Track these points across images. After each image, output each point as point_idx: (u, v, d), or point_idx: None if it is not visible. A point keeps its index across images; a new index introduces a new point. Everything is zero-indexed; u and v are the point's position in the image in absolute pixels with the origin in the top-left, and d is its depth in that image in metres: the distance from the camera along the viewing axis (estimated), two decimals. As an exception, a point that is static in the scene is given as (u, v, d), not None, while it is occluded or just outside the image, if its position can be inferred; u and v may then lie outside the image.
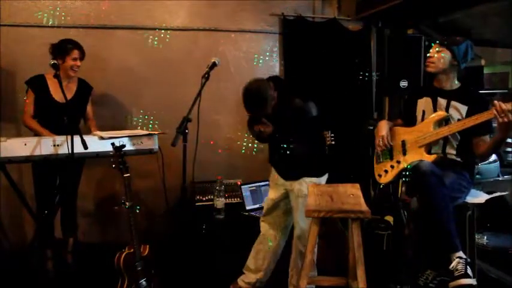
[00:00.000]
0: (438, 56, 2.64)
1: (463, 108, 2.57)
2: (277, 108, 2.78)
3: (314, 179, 2.84)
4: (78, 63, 3.14)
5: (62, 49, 3.11)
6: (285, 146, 2.81)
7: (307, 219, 2.80)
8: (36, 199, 3.18)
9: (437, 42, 2.70)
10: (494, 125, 2.42)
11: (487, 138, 2.51)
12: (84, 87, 3.33)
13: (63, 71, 3.08)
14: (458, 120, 2.55)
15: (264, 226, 3.05)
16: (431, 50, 2.71)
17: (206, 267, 3.13)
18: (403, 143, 2.74)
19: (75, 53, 3.12)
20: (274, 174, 3.00)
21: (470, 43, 2.64)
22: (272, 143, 2.98)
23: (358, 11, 4.31)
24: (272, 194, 2.99)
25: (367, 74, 4.33)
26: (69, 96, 3.13)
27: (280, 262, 3.04)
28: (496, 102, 2.27)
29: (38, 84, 3.15)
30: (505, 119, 2.24)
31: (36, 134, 3.03)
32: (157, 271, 2.73)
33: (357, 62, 4.31)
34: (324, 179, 2.92)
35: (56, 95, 3.12)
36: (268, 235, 3.02)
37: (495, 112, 2.26)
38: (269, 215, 3.02)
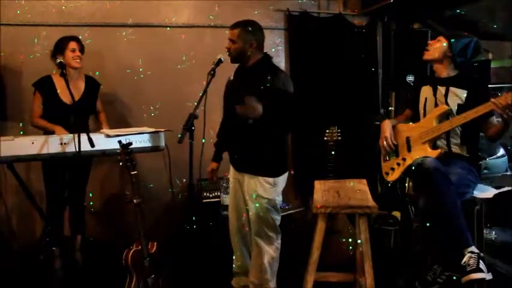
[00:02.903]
0: (434, 45, 2.68)
1: (462, 93, 2.58)
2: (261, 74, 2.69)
3: (270, 179, 2.70)
4: (78, 53, 3.15)
5: (59, 45, 3.14)
6: (247, 127, 2.66)
7: (267, 227, 2.74)
8: (47, 197, 3.20)
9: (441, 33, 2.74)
10: None
11: (493, 119, 2.50)
12: (92, 85, 3.34)
13: (68, 66, 3.04)
14: (459, 104, 2.55)
15: (236, 244, 2.99)
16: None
17: (213, 264, 3.14)
18: (408, 140, 2.73)
19: (72, 44, 3.14)
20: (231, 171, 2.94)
21: (475, 41, 2.62)
22: (232, 120, 2.81)
23: (364, 5, 4.30)
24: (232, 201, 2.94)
25: (373, 69, 4.31)
26: (77, 96, 3.17)
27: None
28: (493, 100, 2.26)
29: (45, 86, 3.17)
30: (510, 113, 2.23)
31: (46, 132, 3.02)
32: (166, 268, 2.74)
33: (362, 57, 4.29)
34: (282, 178, 2.77)
35: (64, 96, 3.13)
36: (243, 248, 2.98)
37: (497, 108, 2.26)
38: (237, 230, 2.97)
